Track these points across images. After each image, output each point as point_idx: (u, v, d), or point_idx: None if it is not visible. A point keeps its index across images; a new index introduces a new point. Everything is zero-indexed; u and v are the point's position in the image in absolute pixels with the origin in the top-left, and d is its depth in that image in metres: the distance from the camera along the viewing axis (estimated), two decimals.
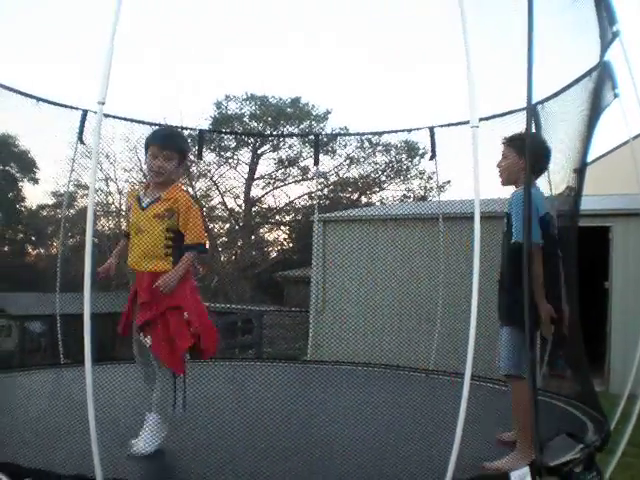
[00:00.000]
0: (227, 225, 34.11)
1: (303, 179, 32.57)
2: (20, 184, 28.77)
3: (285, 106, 32.38)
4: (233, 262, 32.13)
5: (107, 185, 23.46)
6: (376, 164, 31.11)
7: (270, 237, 35.65)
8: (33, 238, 29.92)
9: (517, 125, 5.85)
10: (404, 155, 30.03)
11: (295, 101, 32.40)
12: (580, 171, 4.65)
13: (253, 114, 32.31)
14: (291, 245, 33.50)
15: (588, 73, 4.85)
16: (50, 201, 27.56)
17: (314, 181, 26.00)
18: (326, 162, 29.43)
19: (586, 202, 4.89)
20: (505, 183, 4.26)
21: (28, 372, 7.18)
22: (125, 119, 7.47)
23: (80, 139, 7.24)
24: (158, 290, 3.80)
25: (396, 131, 9.35)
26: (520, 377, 3.82)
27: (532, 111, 4.08)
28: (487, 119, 6.70)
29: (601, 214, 11.90)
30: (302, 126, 31.97)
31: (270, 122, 31.99)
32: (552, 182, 4.93)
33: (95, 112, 3.37)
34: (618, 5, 4.31)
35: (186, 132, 9.04)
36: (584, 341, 4.79)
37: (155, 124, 8.64)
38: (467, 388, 2.93)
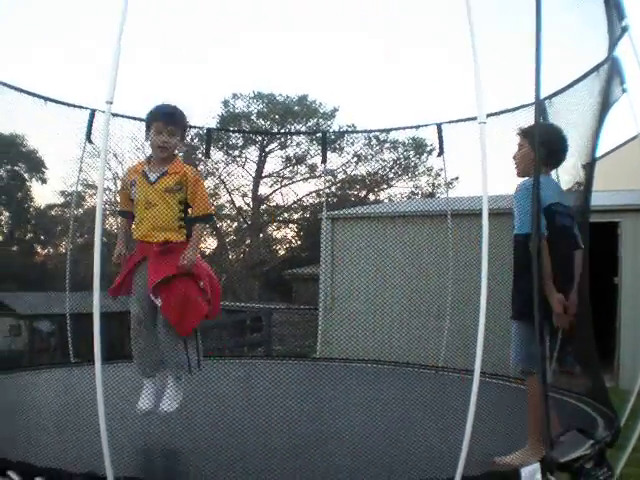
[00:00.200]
0: (235, 223, 34.18)
1: (311, 177, 32.62)
2: (28, 184, 28.91)
3: (292, 104, 32.38)
4: (241, 260, 32.17)
5: (115, 184, 23.52)
6: (384, 161, 31.15)
7: (278, 235, 35.73)
8: (42, 237, 30.01)
9: (525, 121, 5.83)
10: (412, 152, 30.03)
11: (302, 99, 32.39)
12: (590, 167, 4.63)
13: (260, 112, 32.32)
14: (299, 243, 33.51)
15: (596, 68, 4.83)
16: (59, 200, 27.66)
17: (322, 179, 26.02)
18: (334, 160, 29.43)
19: (595, 198, 4.86)
20: (521, 174, 4.22)
21: (38, 371, 7.21)
22: (134, 118, 7.48)
23: (88, 138, 7.25)
24: (174, 262, 3.88)
25: (404, 128, 9.32)
26: (530, 371, 3.81)
27: (540, 106, 4.05)
28: (495, 115, 6.68)
29: (610, 209, 11.84)
30: (309, 124, 31.98)
31: (277, 120, 32.00)
32: (560, 177, 4.90)
33: (103, 112, 3.38)
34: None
35: (194, 130, 9.05)
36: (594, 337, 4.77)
37: None
38: (477, 383, 2.93)
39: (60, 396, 4.93)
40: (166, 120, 4.03)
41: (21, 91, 6.58)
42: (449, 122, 7.93)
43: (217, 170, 30.48)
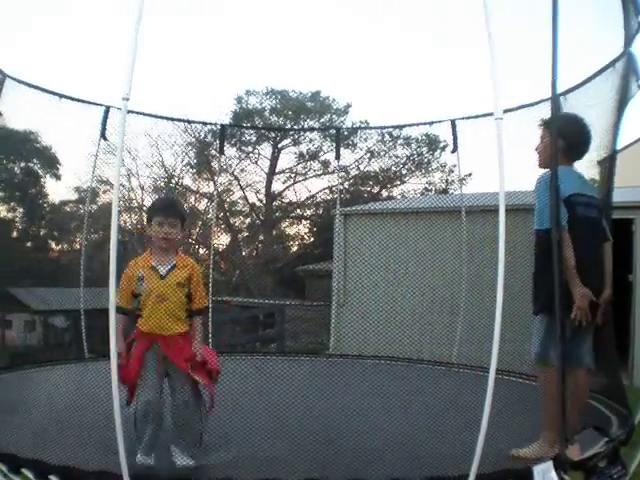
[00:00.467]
0: (248, 220, 34.21)
1: (324, 173, 32.61)
2: (43, 180, 29.04)
3: (305, 100, 32.39)
4: (254, 257, 32.22)
5: (129, 181, 23.63)
6: (397, 157, 31.09)
7: (291, 231, 35.77)
8: (56, 234, 30.13)
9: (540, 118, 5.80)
10: (425, 148, 29.95)
11: (315, 95, 32.40)
12: (609, 163, 4.60)
13: (274, 108, 32.35)
14: (312, 239, 33.51)
15: (611, 64, 4.81)
16: (73, 197, 27.74)
17: (335, 175, 25.99)
18: (347, 156, 29.35)
19: None
20: (542, 165, 4.19)
21: (52, 367, 7.25)
22: (150, 115, 7.51)
23: (103, 135, 7.29)
24: (186, 347, 4.09)
25: (417, 124, 9.33)
26: (547, 364, 3.79)
27: (556, 102, 4.02)
28: (511, 111, 6.65)
29: (624, 206, 11.74)
30: (322, 120, 32.00)
31: (290, 116, 32.01)
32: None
33: (118, 108, 3.40)
34: None
35: (207, 127, 9.07)
36: None
37: (178, 119, 8.69)
38: (492, 380, 2.93)
39: (73, 392, 4.94)
40: (167, 213, 4.22)
41: (36, 88, 6.62)
42: (463, 118, 7.91)
43: (230, 166, 30.58)
